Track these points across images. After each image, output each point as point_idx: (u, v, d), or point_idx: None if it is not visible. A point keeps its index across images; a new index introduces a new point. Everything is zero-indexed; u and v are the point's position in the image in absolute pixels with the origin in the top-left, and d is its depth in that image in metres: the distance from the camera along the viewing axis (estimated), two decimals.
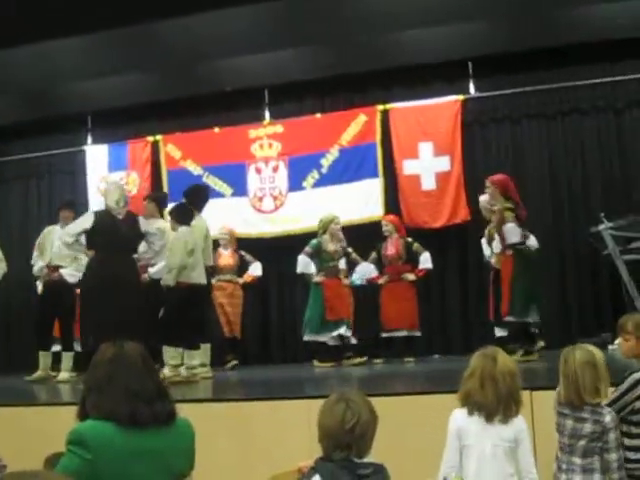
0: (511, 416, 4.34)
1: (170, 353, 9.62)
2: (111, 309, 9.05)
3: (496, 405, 4.31)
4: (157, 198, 11.41)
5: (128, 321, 8.91)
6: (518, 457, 4.32)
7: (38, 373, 11.00)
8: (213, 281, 11.61)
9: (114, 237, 9.37)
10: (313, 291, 11.87)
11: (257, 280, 12.59)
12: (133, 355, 3.65)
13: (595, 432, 4.57)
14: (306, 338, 11.79)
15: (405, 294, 11.89)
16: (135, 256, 9.92)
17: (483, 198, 10.89)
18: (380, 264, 12.18)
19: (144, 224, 9.68)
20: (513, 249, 10.00)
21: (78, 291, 11.44)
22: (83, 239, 9.71)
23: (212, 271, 11.23)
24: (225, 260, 12.43)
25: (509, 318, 9.97)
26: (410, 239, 12.02)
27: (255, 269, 12.54)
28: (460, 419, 4.41)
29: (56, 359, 11.41)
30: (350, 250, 12.22)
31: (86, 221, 9.56)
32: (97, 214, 9.69)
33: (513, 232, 9.97)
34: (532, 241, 10.70)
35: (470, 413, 4.38)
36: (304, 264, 11.88)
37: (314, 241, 11.88)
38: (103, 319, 9.02)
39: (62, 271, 10.97)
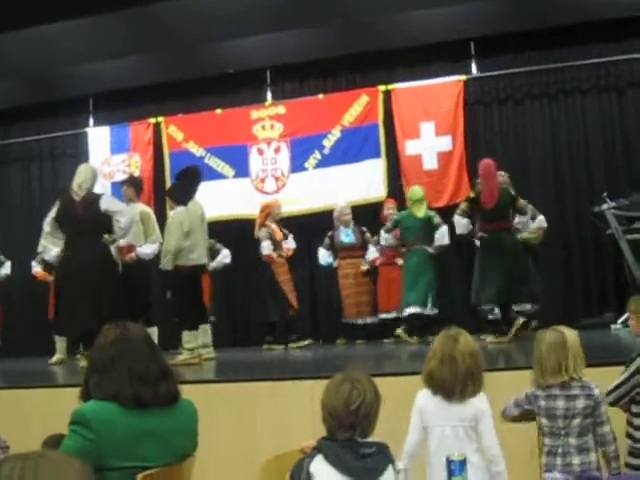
0: (468, 396, 4.34)
1: (186, 337, 9.63)
2: (72, 293, 9.01)
3: (454, 384, 4.32)
4: (134, 182, 11.25)
5: (91, 303, 8.81)
6: (479, 435, 4.32)
7: (57, 356, 11.04)
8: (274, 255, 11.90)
9: (71, 221, 9.19)
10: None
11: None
12: (137, 336, 3.66)
13: (588, 407, 4.57)
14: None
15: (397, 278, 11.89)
16: (108, 237, 9.66)
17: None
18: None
19: (105, 203, 9.29)
20: (476, 238, 10.45)
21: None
22: None
23: (211, 252, 11.26)
24: (279, 235, 12.35)
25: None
26: None
27: (291, 242, 12.53)
28: (422, 399, 4.43)
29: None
30: (364, 229, 12.41)
31: (52, 210, 9.40)
32: (60, 200, 9.45)
33: (457, 224, 10.35)
34: (538, 222, 10.79)
35: (433, 393, 4.40)
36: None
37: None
38: (66, 304, 9.12)
39: (44, 255, 10.93)
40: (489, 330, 10.22)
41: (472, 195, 10.18)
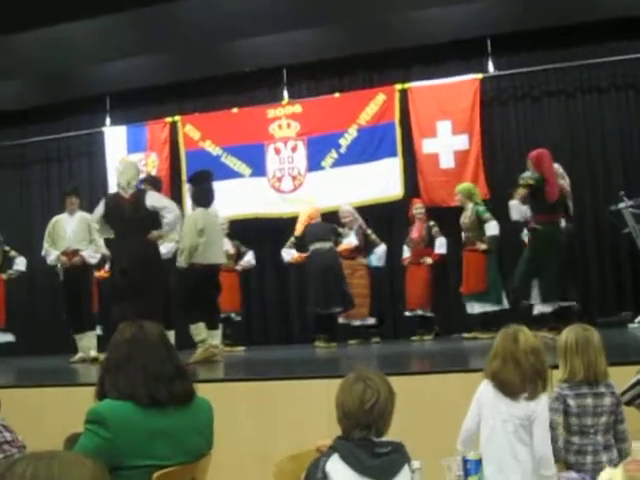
0: (537, 394, 4.33)
1: (195, 330, 9.64)
2: (124, 292, 9.06)
3: (521, 384, 4.30)
4: (153, 181, 11.28)
5: (141, 302, 8.86)
6: (533, 435, 4.31)
7: (79, 355, 11.08)
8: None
9: (120, 218, 9.32)
10: None
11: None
12: (152, 335, 3.66)
13: (612, 405, 4.64)
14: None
15: (423, 276, 12.07)
16: (156, 233, 9.60)
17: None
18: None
19: (151, 199, 9.43)
20: (526, 228, 10.10)
21: (102, 272, 11.70)
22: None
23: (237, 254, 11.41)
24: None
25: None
26: (432, 222, 12.07)
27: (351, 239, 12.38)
28: (485, 388, 4.42)
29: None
30: (370, 231, 12.28)
31: (99, 208, 9.57)
32: (107, 198, 9.70)
33: (513, 210, 10.15)
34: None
35: (494, 388, 4.38)
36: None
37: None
38: (119, 303, 9.11)
39: (83, 253, 11.04)
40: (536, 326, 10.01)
41: (532, 182, 9.79)
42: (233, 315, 12.45)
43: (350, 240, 12.09)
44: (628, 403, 4.90)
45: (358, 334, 12.21)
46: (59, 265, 11.24)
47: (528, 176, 9.76)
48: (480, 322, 11.27)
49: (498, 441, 4.26)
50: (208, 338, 9.61)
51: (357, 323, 12.22)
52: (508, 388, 4.34)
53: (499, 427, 4.30)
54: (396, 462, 3.42)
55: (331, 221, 12.37)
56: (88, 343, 11.11)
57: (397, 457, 3.44)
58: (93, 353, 10.95)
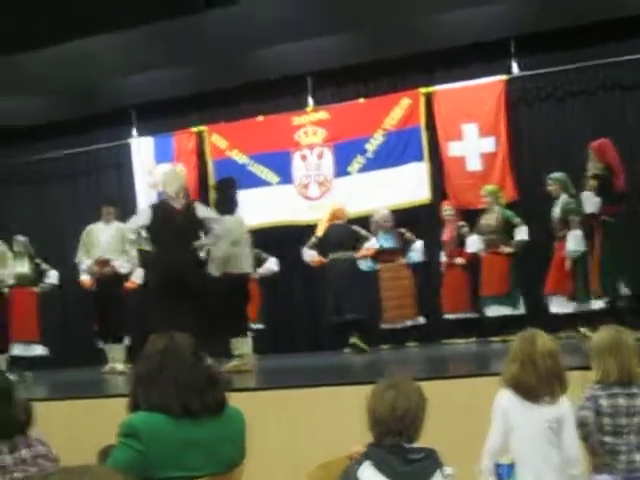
0: (556, 396, 4.33)
1: (236, 344, 9.69)
2: (172, 303, 8.95)
3: (540, 387, 4.31)
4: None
5: (186, 314, 8.82)
6: (562, 437, 4.31)
7: (109, 365, 11.14)
8: None
9: (171, 230, 9.20)
10: None
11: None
12: (183, 346, 3.68)
13: None
14: None
15: (457, 278, 12.11)
16: (199, 242, 9.64)
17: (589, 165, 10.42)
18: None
19: (202, 210, 9.54)
20: (596, 220, 9.79)
21: (129, 283, 11.72)
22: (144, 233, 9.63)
23: (257, 262, 11.42)
24: None
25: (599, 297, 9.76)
26: (461, 223, 12.07)
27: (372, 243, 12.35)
28: (506, 400, 4.42)
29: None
30: (403, 230, 12.38)
31: (143, 216, 9.50)
32: (154, 208, 9.53)
33: (589, 201, 9.76)
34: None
35: (515, 394, 4.38)
36: None
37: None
38: (165, 314, 8.88)
39: (114, 263, 11.13)
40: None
41: (599, 173, 9.78)
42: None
43: (372, 243, 12.12)
44: None
45: (403, 337, 12.24)
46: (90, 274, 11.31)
47: (598, 167, 9.69)
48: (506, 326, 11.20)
49: (532, 447, 4.26)
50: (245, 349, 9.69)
51: (409, 324, 12.26)
52: (528, 391, 4.35)
53: (532, 433, 4.30)
54: (428, 468, 3.43)
55: (361, 225, 12.38)
56: (117, 355, 11.18)
57: (429, 463, 3.45)
58: (120, 367, 11.01)
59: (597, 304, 9.98)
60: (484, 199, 11.87)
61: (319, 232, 12.18)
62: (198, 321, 8.69)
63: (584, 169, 11.33)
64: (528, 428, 4.31)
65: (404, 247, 12.39)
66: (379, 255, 12.32)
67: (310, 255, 12.30)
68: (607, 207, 9.57)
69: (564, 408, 4.35)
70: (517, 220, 11.58)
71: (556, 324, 10.80)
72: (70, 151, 14.80)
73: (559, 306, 10.96)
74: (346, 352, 11.55)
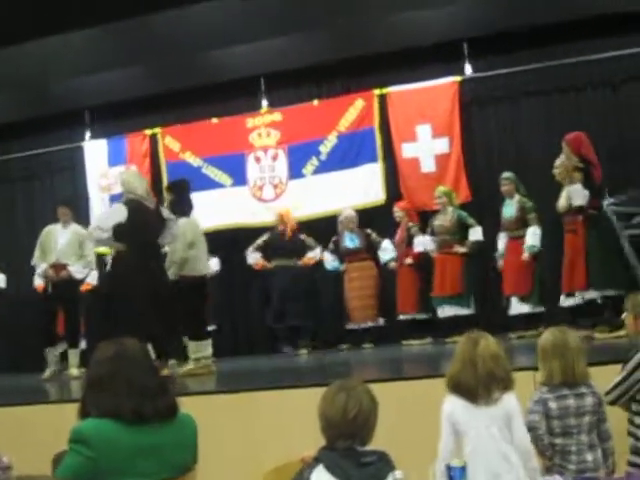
0: (493, 398, 4.35)
1: (193, 347, 9.66)
2: (151, 303, 8.85)
3: (476, 387, 4.35)
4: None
5: (164, 315, 8.92)
6: (512, 434, 4.34)
7: (51, 370, 11.03)
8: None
9: (146, 229, 9.10)
10: None
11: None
12: (135, 351, 3.65)
13: (594, 405, 4.70)
14: None
15: (408, 278, 12.17)
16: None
17: (558, 160, 10.19)
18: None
19: (165, 211, 9.49)
20: (584, 214, 9.55)
21: (85, 285, 11.62)
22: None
23: None
24: None
25: (588, 291, 9.53)
26: (411, 224, 12.13)
27: (316, 254, 12.68)
28: (450, 404, 4.45)
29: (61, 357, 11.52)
30: (369, 231, 12.52)
31: (118, 214, 9.07)
32: (129, 206, 9.13)
33: (577, 194, 9.50)
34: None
35: (457, 397, 4.41)
36: None
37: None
38: (144, 315, 8.74)
39: (70, 268, 11.03)
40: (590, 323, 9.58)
41: (582, 165, 9.57)
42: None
43: (315, 253, 12.56)
44: (613, 402, 4.93)
45: (369, 336, 12.35)
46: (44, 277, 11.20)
47: (574, 160, 9.57)
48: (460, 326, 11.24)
49: (486, 448, 4.27)
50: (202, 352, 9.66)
51: (369, 324, 12.34)
52: (467, 392, 4.37)
53: (484, 434, 4.31)
54: (381, 471, 3.43)
55: (315, 228, 12.46)
56: (73, 360, 11.09)
57: (381, 466, 3.45)
58: (75, 372, 10.92)
59: (567, 302, 9.91)
60: (438, 200, 11.94)
61: (265, 237, 12.59)
62: (165, 324, 8.85)
63: (537, 170, 11.44)
64: (478, 430, 4.33)
65: (370, 248, 12.43)
66: (345, 255, 12.43)
67: (254, 258, 12.52)
68: (591, 201, 9.46)
69: (509, 405, 4.37)
70: (471, 221, 11.66)
71: (514, 324, 10.91)
72: (23, 153, 14.69)
73: (519, 307, 11.04)
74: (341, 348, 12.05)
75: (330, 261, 12.56)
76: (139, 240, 9.00)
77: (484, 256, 11.81)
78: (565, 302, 9.95)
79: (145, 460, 3.41)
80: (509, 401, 4.39)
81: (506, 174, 11.36)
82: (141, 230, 9.01)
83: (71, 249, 11.13)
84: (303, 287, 12.54)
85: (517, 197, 11.21)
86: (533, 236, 10.92)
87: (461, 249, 11.60)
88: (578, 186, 9.47)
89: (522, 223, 11.07)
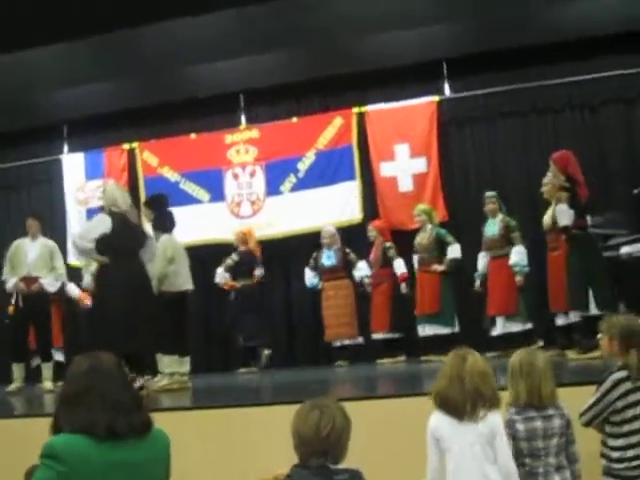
0: (479, 415, 4.34)
1: (167, 361, 9.61)
2: (136, 316, 8.69)
3: (463, 404, 4.33)
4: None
5: (148, 328, 8.82)
6: (496, 453, 4.32)
7: (16, 385, 10.92)
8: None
9: (130, 241, 9.03)
10: None
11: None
12: (110, 366, 3.63)
13: (562, 427, 4.66)
14: None
15: (381, 298, 12.19)
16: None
17: (546, 178, 10.06)
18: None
19: (147, 226, 9.59)
20: (567, 233, 9.38)
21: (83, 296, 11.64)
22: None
23: None
24: None
25: (571, 313, 9.47)
26: (388, 244, 12.12)
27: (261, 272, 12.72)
28: (435, 421, 4.41)
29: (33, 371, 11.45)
30: (348, 250, 12.49)
31: (103, 225, 8.91)
32: (113, 218, 8.97)
33: (563, 214, 9.31)
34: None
35: (445, 413, 4.39)
36: None
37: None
38: (130, 326, 8.61)
39: (42, 281, 10.93)
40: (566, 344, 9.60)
41: (567, 185, 9.38)
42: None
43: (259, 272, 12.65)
44: (587, 424, 4.94)
45: (345, 354, 12.36)
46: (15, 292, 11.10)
47: (560, 179, 9.46)
48: (436, 345, 11.27)
49: (468, 467, 4.26)
50: (176, 368, 9.63)
51: (346, 342, 12.36)
52: (453, 408, 4.35)
53: (467, 451, 4.30)
54: None
55: (292, 244, 12.49)
56: (47, 374, 11.02)
57: None
58: (49, 385, 10.85)
59: (561, 320, 9.87)
60: (417, 217, 11.95)
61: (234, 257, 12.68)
62: (147, 338, 8.81)
63: (514, 191, 11.48)
64: (461, 447, 4.31)
65: (346, 266, 12.43)
66: (322, 273, 12.47)
67: (223, 277, 12.52)
68: (576, 220, 9.28)
69: (494, 423, 4.36)
70: (450, 239, 11.67)
71: (495, 343, 10.88)
72: (0, 165, 14.63)
73: (506, 326, 11.01)
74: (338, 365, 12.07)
75: (309, 278, 12.58)
76: (123, 252, 8.92)
77: (464, 275, 11.82)
78: (559, 321, 9.91)
79: (117, 476, 3.37)
80: (494, 420, 4.37)
81: (490, 193, 11.33)
82: (125, 242, 8.93)
83: (41, 262, 11.03)
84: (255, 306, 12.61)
85: (500, 216, 11.19)
86: (519, 255, 10.85)
87: (439, 268, 11.60)
88: (564, 206, 9.31)
89: (506, 241, 11.04)
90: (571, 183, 9.42)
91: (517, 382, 4.70)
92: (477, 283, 11.40)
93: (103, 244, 8.84)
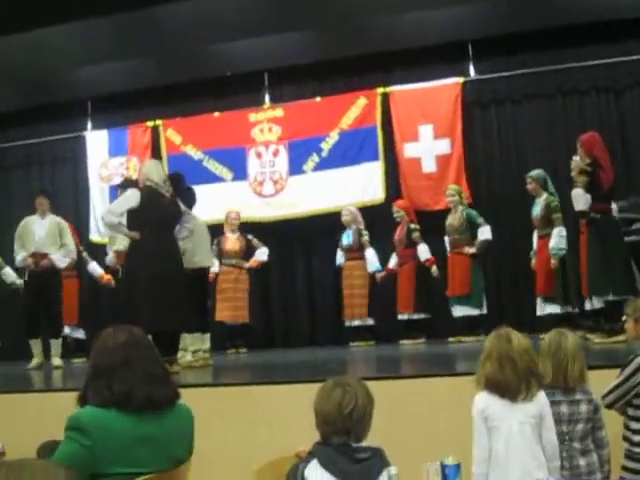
0: (534, 393, 4.33)
1: (190, 340, 9.70)
2: (168, 290, 8.53)
3: (518, 384, 4.30)
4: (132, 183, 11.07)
5: (180, 302, 8.70)
6: (542, 431, 4.31)
7: (36, 361, 10.97)
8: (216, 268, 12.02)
9: (163, 215, 8.82)
10: None
11: (261, 265, 12.73)
12: (144, 339, 3.67)
13: (589, 412, 4.63)
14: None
15: (409, 277, 12.13)
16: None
17: (573, 162, 9.98)
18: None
19: (181, 203, 9.28)
20: (586, 218, 9.33)
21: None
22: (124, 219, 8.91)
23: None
24: (231, 244, 12.55)
25: (592, 300, 9.38)
26: (413, 225, 12.06)
27: (262, 254, 12.65)
28: (483, 402, 4.37)
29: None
30: (364, 233, 12.46)
31: (131, 200, 8.77)
32: (143, 192, 8.82)
33: (578, 199, 9.26)
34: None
35: (492, 394, 4.37)
36: None
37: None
38: (163, 300, 8.47)
39: (52, 257, 10.90)
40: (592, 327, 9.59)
41: (589, 169, 9.30)
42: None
43: (260, 253, 12.60)
44: (610, 406, 4.92)
45: (366, 335, 12.35)
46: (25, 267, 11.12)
47: (585, 162, 9.37)
48: (465, 326, 11.31)
49: (519, 445, 4.24)
50: (199, 345, 9.67)
51: (355, 323, 12.39)
52: (506, 390, 4.33)
53: (516, 431, 4.27)
54: (375, 467, 3.42)
55: (314, 224, 12.49)
56: (56, 350, 11.05)
57: (376, 462, 3.44)
58: (58, 361, 10.89)
59: (588, 304, 9.63)
60: (450, 198, 11.84)
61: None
62: (178, 314, 8.68)
63: (549, 168, 11.32)
64: (510, 427, 4.29)
65: (362, 248, 12.40)
66: (345, 251, 12.49)
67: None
68: (596, 204, 9.21)
69: (542, 403, 4.35)
70: (480, 220, 11.58)
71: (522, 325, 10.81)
72: (24, 142, 14.68)
73: (544, 308, 10.87)
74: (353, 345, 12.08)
75: (337, 257, 12.67)
76: (152, 225, 8.69)
77: (489, 256, 11.80)
78: (587, 305, 9.69)
79: (142, 450, 3.40)
80: (541, 399, 4.36)
81: (531, 172, 11.04)
82: (155, 214, 8.71)
83: (50, 239, 10.99)
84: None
85: (545, 195, 10.80)
86: (556, 237, 10.53)
87: (470, 250, 11.55)
88: (579, 190, 9.25)
89: (547, 222, 10.79)
90: (594, 167, 9.29)
91: (545, 361, 4.67)
92: (533, 262, 11.14)
93: (132, 218, 8.74)
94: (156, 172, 9.05)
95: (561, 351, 4.68)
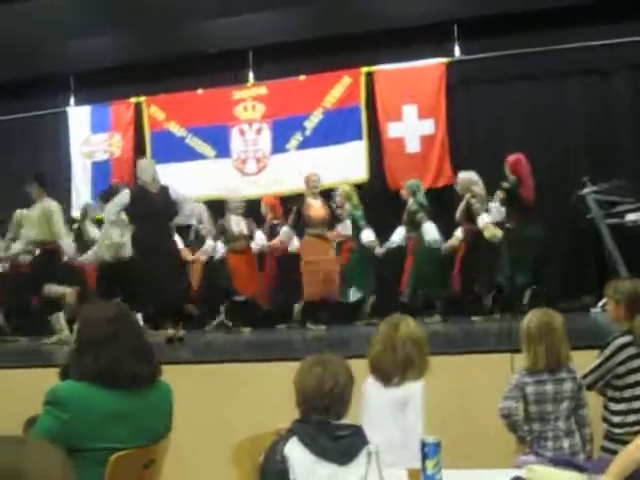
0: (406, 380, 4.43)
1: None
2: (155, 277, 9.41)
3: (393, 371, 4.40)
4: (41, 179, 11.12)
5: (168, 287, 9.41)
6: (406, 418, 4.36)
7: (57, 336, 10.95)
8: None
9: (150, 209, 9.60)
10: None
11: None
12: (131, 314, 3.66)
13: (574, 390, 4.68)
14: None
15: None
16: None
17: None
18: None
19: (174, 193, 9.91)
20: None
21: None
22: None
23: None
24: (315, 211, 11.43)
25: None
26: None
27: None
28: (366, 383, 4.54)
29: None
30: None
31: (123, 198, 9.86)
32: (132, 190, 10.00)
33: (495, 211, 11.01)
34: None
35: (375, 379, 4.52)
36: None
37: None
38: (154, 287, 9.43)
39: (62, 243, 10.87)
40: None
41: (507, 186, 10.77)
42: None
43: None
44: (589, 387, 4.94)
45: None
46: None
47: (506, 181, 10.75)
48: None
49: (384, 427, 4.32)
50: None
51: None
52: (383, 374, 4.48)
53: (386, 414, 4.42)
54: (355, 445, 3.43)
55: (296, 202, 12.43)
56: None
57: (356, 440, 3.44)
58: (67, 333, 10.88)
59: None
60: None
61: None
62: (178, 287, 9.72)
63: (533, 151, 11.43)
64: (381, 408, 4.43)
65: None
66: None
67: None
68: (514, 215, 10.81)
69: (412, 390, 4.41)
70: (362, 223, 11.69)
71: None
72: (5, 117, 14.57)
73: None
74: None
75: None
76: (144, 221, 9.71)
77: None
78: None
79: (120, 426, 3.41)
80: (412, 386, 4.45)
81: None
82: (141, 209, 9.68)
83: (42, 231, 10.95)
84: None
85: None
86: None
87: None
88: (496, 204, 10.99)
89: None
90: (517, 184, 10.75)
91: (535, 345, 4.66)
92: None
93: (127, 214, 10.03)
94: (144, 171, 9.99)
95: (552, 333, 4.68)
